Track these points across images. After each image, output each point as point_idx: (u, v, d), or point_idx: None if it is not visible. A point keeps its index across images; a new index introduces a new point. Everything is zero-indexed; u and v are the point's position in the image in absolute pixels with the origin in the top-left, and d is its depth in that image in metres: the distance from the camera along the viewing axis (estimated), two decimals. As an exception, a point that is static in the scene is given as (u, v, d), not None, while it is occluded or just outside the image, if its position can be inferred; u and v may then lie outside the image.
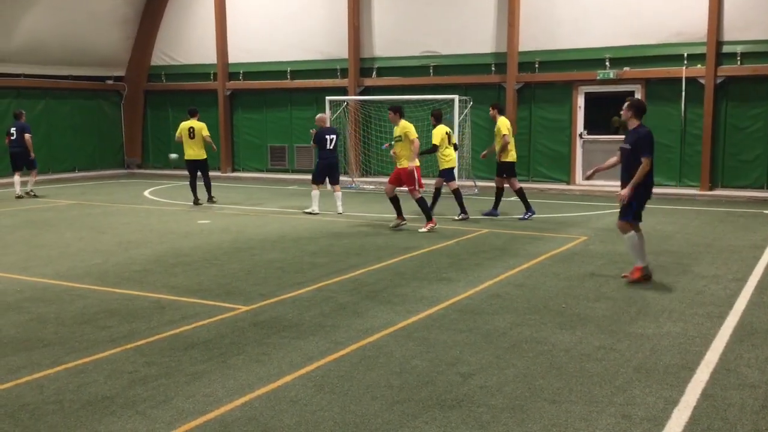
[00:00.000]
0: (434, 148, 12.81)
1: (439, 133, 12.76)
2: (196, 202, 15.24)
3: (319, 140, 13.71)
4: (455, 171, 13.30)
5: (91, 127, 23.37)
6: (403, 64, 20.11)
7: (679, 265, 9.08)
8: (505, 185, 13.34)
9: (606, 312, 6.95)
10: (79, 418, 4.55)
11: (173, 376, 5.27)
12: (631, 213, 7.94)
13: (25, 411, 4.66)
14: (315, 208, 13.67)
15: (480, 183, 18.19)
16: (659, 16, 17.05)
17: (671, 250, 10.00)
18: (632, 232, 8.00)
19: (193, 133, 15.11)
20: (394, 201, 11.95)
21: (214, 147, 15.82)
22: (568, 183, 18.30)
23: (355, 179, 19.47)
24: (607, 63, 17.63)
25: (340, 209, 13.68)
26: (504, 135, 12.86)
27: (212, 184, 15.73)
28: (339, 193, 13.84)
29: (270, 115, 22.26)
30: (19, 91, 21.29)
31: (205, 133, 15.26)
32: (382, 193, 17.51)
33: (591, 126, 18.20)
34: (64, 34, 21.63)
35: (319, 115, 14.41)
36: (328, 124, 14.50)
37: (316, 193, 13.70)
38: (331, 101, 19.26)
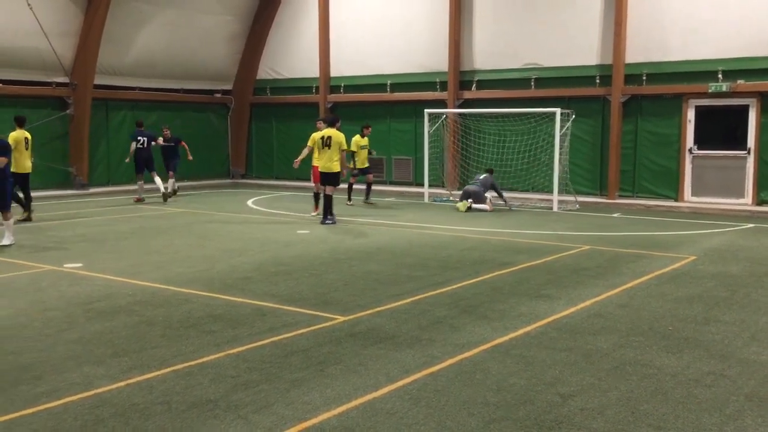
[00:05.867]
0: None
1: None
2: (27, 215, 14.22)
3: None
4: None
5: (199, 138, 24.32)
6: (504, 77, 19.93)
7: (797, 288, 8.56)
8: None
9: (716, 336, 6.62)
10: (185, 420, 4.72)
11: (274, 382, 5.39)
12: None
13: (134, 410, 4.87)
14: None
15: (580, 198, 17.77)
16: (777, 26, 16.22)
17: (788, 273, 9.44)
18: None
19: (28, 144, 13.92)
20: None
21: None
22: (675, 200, 17.59)
23: (452, 192, 19.41)
24: (720, 75, 16.88)
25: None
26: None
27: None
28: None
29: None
30: (134, 104, 22.47)
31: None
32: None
33: (701, 141, 17.47)
34: (175, 49, 22.74)
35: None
36: None
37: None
38: (429, 114, 19.30)
